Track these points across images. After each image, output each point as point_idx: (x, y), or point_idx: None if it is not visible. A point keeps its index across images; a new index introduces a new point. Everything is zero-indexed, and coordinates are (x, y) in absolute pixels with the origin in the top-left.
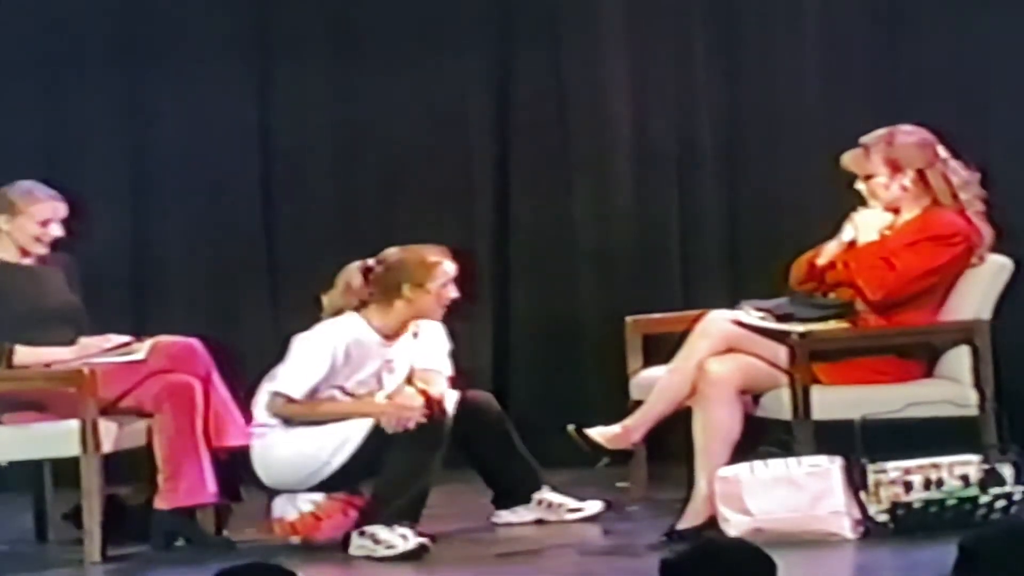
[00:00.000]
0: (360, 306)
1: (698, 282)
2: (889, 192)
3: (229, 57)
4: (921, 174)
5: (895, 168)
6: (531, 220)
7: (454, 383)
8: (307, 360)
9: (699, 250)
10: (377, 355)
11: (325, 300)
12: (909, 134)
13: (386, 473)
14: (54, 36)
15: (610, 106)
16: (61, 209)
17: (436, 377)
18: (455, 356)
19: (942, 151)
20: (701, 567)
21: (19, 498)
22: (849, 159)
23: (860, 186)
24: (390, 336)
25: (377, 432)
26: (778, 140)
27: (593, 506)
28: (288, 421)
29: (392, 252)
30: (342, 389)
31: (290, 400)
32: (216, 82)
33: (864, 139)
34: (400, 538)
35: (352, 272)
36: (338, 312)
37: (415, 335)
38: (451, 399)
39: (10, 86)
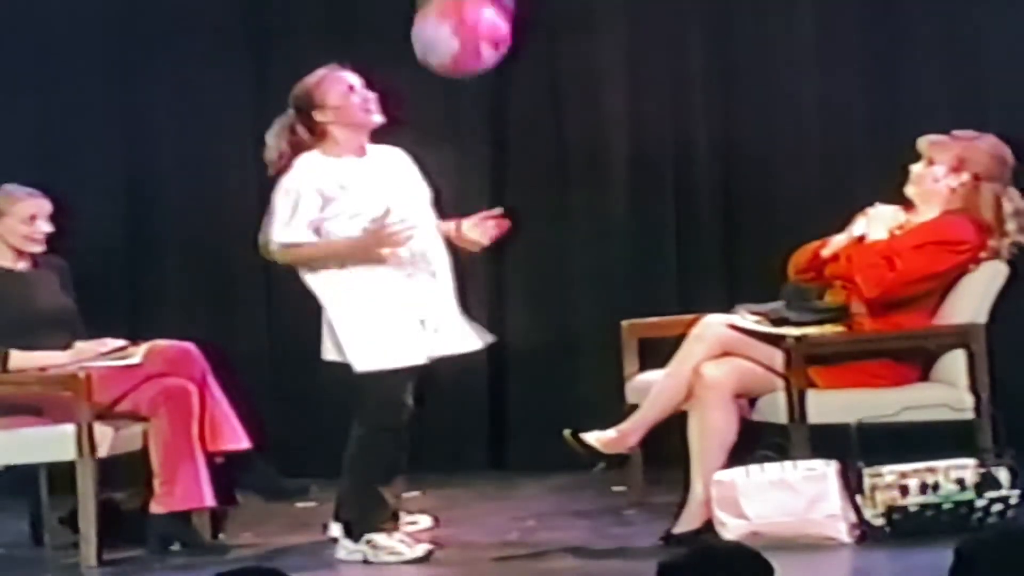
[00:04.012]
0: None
1: (694, 286)
2: (935, 184)
3: (224, 55)
4: (976, 180)
5: (958, 167)
6: (526, 223)
7: None
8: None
9: (695, 254)
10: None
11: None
12: (993, 146)
13: (352, 468)
14: (48, 34)
15: (606, 108)
16: (45, 205)
17: None
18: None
19: (1008, 175)
20: (698, 571)
21: (15, 502)
22: (926, 142)
23: (916, 166)
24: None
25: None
26: (775, 141)
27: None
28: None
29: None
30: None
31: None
32: (211, 82)
33: (957, 132)
34: (402, 544)
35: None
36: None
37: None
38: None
39: (4, 86)
